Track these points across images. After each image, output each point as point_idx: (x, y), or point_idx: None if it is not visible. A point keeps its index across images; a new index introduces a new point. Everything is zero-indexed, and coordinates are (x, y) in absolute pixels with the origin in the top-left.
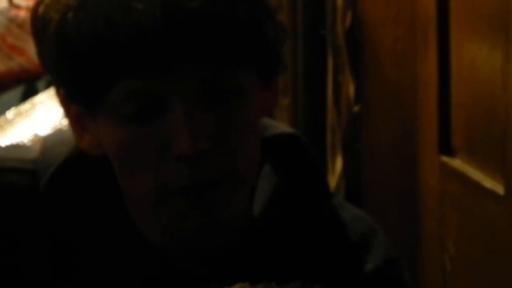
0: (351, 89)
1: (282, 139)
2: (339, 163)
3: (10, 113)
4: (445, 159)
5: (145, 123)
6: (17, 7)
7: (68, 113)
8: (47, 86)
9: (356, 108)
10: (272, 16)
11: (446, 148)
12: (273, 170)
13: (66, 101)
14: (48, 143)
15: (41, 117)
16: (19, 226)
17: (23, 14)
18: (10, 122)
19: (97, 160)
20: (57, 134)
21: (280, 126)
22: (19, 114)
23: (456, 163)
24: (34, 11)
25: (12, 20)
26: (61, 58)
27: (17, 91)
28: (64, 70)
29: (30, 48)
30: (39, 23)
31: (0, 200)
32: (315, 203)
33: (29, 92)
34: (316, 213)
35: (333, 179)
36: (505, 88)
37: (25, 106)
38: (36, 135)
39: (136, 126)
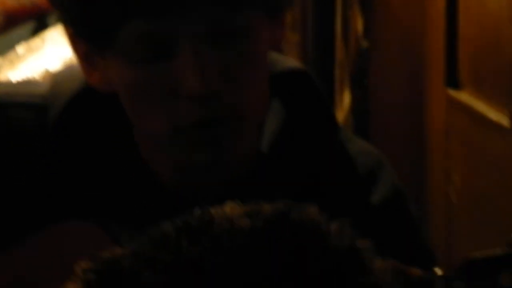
0: (359, 25)
1: (291, 74)
2: (347, 98)
3: (20, 49)
4: (451, 92)
5: (155, 63)
6: None
7: (76, 50)
8: (57, 22)
9: (365, 44)
10: None
11: (453, 81)
12: (281, 105)
13: (74, 38)
14: (58, 79)
15: (51, 53)
16: (27, 160)
17: None
18: (20, 57)
19: (107, 96)
20: (67, 70)
21: (289, 61)
22: (29, 50)
23: (463, 96)
24: None
25: None
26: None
27: (28, 27)
28: (72, 10)
29: None
30: None
31: (8, 135)
32: (323, 137)
33: (40, 28)
34: (324, 147)
35: (341, 114)
36: (511, 21)
37: (36, 41)
38: (46, 71)
39: (145, 67)
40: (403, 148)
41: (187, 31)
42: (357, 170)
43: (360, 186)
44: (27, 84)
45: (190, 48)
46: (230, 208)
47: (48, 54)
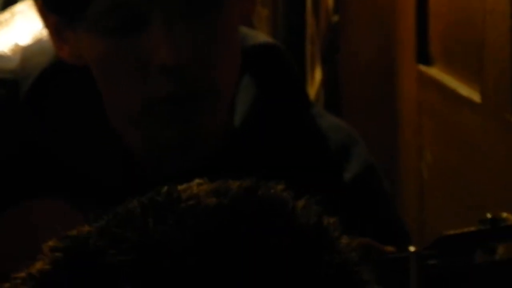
0: (330, 0)
1: (262, 49)
2: (318, 74)
3: None
4: (422, 68)
5: (126, 36)
6: None
7: (46, 23)
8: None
9: (335, 19)
10: None
11: (424, 57)
12: (253, 80)
13: (44, 10)
14: (28, 53)
15: (21, 26)
16: None
17: None
18: None
19: (78, 69)
20: (37, 44)
21: (260, 36)
22: None
23: (434, 72)
24: None
25: None
26: None
27: None
28: None
29: None
30: None
31: None
32: (294, 112)
33: (9, 1)
34: (295, 123)
35: (312, 90)
36: None
37: (5, 15)
38: (16, 45)
39: (118, 39)
40: (374, 124)
41: (159, 2)
42: (329, 145)
43: (333, 161)
44: None
45: (162, 20)
46: (198, 186)
47: (17, 28)
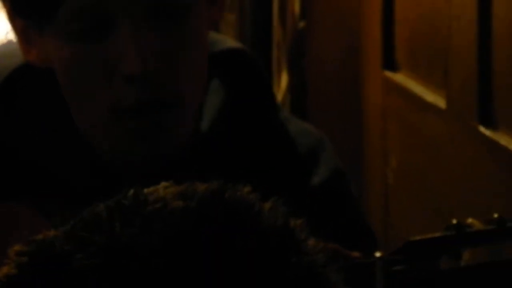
0: (296, 5)
1: (230, 54)
2: (284, 79)
3: None
4: (388, 74)
5: (93, 41)
6: None
7: (14, 26)
8: None
9: (302, 24)
10: None
11: (390, 63)
12: (221, 85)
13: (11, 14)
14: None
15: None
16: None
17: None
18: None
19: (47, 72)
20: (5, 46)
21: (228, 41)
22: None
23: (399, 78)
24: None
25: None
26: None
27: None
28: None
29: None
30: None
31: None
32: (262, 116)
33: None
34: (263, 127)
35: (278, 95)
36: (448, 3)
37: None
38: None
39: (84, 44)
40: (340, 129)
41: (126, 9)
42: (297, 150)
43: (301, 166)
44: None
45: (129, 26)
46: (164, 189)
47: None
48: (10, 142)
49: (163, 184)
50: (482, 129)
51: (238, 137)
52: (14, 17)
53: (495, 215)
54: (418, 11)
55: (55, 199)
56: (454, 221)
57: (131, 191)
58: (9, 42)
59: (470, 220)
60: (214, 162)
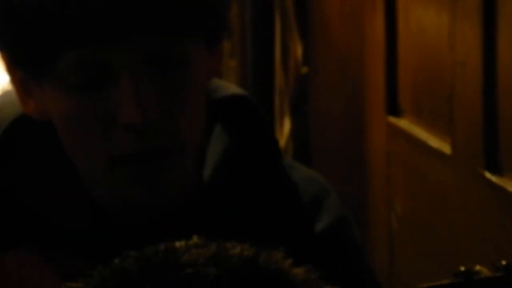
0: (299, 51)
1: (233, 100)
2: (287, 125)
3: None
4: (392, 119)
5: (93, 92)
6: None
7: (13, 77)
8: None
9: (304, 70)
10: None
11: (393, 108)
12: (224, 131)
13: (11, 65)
14: None
15: None
16: None
17: None
18: None
19: (46, 123)
20: (5, 96)
21: (231, 87)
22: None
23: (403, 123)
24: None
25: None
26: (6, 26)
27: None
28: (8, 39)
29: None
30: None
31: None
32: (266, 164)
33: None
34: (267, 174)
35: (281, 141)
36: (451, 49)
37: None
38: None
39: (84, 95)
40: (344, 175)
41: (125, 60)
42: (301, 197)
43: (305, 213)
44: None
45: (128, 77)
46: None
47: None
48: (11, 192)
49: (195, 240)
50: (488, 175)
51: (241, 184)
52: (13, 69)
53: (503, 262)
54: (422, 57)
55: (58, 245)
56: (462, 268)
57: (162, 246)
58: (8, 92)
59: (478, 267)
60: (217, 210)
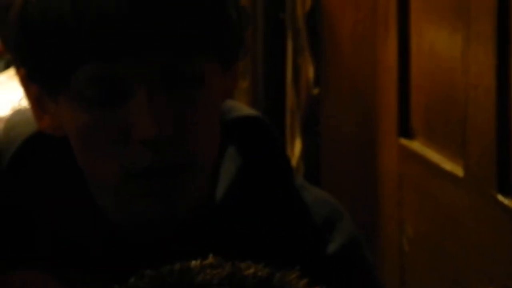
0: (310, 72)
1: (246, 121)
2: (298, 146)
3: None
4: (404, 141)
5: (108, 107)
6: None
7: (28, 93)
8: (6, 67)
9: (316, 91)
10: (235, 1)
11: (405, 131)
12: (237, 151)
13: (26, 81)
14: (11, 123)
15: (0, 98)
16: None
17: None
18: None
19: (61, 139)
20: (20, 113)
21: (244, 108)
22: None
23: (415, 145)
24: None
25: None
26: (23, 40)
27: None
28: (25, 52)
29: None
30: (1, 1)
31: None
32: (278, 185)
33: None
34: (279, 195)
35: (292, 161)
36: (465, 72)
37: None
38: None
39: (99, 110)
40: (355, 197)
41: (141, 75)
42: (313, 218)
43: (317, 234)
44: None
45: (144, 92)
46: (211, 268)
47: None
48: (24, 209)
49: (210, 260)
50: (500, 197)
51: (254, 204)
52: (28, 84)
53: None
54: (435, 79)
55: (70, 262)
56: None
57: (177, 266)
58: (22, 110)
59: None
60: (229, 229)
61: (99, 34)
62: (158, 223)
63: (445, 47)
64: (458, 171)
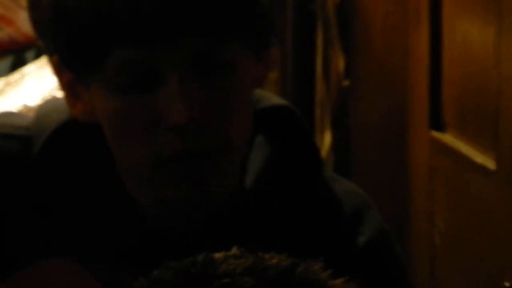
0: (340, 64)
1: (275, 110)
2: (328, 138)
3: None
4: (435, 134)
5: (140, 93)
6: None
7: (61, 80)
8: (36, 57)
9: (346, 83)
10: None
11: (437, 123)
12: (266, 141)
13: (59, 68)
14: (42, 110)
15: (30, 88)
16: (10, 192)
17: None
18: None
19: (92, 127)
20: (51, 102)
21: (274, 98)
22: (8, 84)
23: (447, 138)
24: None
25: None
26: (57, 26)
27: (6, 62)
28: (59, 38)
29: (19, 18)
30: None
31: None
32: (307, 175)
33: (18, 63)
34: (308, 186)
35: (321, 153)
36: (497, 64)
37: (14, 76)
38: (25, 105)
39: (131, 96)
40: (386, 190)
41: (174, 61)
42: (342, 210)
43: (346, 226)
44: (11, 116)
45: (176, 78)
46: (235, 258)
47: (27, 89)
48: (56, 198)
49: (233, 251)
50: None
51: (283, 193)
52: (61, 71)
53: None
54: (467, 71)
55: (101, 254)
56: (507, 284)
57: (201, 257)
58: (53, 99)
59: None
60: (258, 220)
61: (133, 19)
62: (187, 209)
63: (477, 38)
64: (490, 164)
